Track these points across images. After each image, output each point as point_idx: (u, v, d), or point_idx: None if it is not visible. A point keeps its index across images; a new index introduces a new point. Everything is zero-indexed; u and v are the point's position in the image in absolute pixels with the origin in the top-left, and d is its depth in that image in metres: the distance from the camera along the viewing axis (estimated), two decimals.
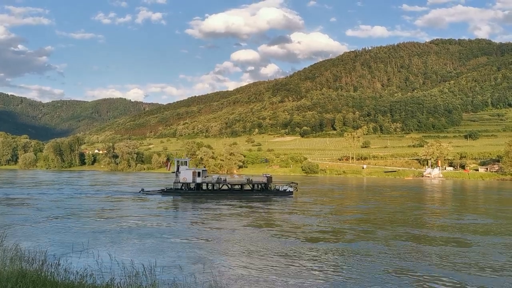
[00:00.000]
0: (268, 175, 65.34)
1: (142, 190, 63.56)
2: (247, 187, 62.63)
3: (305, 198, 58.90)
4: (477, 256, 23.10)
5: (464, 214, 43.43)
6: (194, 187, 61.04)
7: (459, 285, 17.76)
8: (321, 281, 18.12)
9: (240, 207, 46.96)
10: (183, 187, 60.84)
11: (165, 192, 61.21)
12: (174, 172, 62.37)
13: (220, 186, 62.09)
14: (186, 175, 60.07)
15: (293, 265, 20.50)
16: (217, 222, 35.34)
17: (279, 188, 62.12)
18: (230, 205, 48.57)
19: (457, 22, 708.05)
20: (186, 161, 65.59)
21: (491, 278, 18.88)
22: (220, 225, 33.68)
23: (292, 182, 64.99)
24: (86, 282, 11.92)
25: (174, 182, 61.59)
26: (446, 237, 29.00)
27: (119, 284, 11.69)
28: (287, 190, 61.37)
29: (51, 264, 12.83)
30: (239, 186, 63.46)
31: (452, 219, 38.87)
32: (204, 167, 71.21)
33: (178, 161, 63.57)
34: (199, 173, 61.25)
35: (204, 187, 62.37)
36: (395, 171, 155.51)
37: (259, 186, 62.08)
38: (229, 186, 62.78)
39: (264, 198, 57.50)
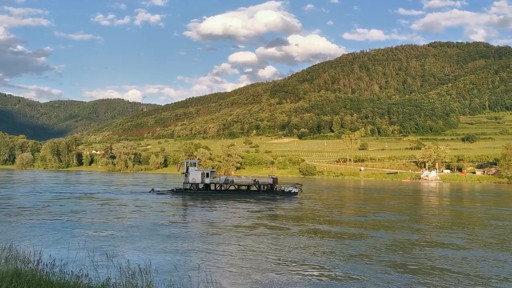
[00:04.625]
0: (274, 177, 66.36)
1: (153, 189, 64.61)
2: (254, 188, 63.72)
3: (309, 199, 59.59)
4: (350, 247, 25.02)
5: (384, 212, 45.08)
6: (203, 187, 62.29)
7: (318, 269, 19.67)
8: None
9: (246, 207, 47.55)
10: (192, 187, 61.98)
11: (174, 192, 62.36)
12: (183, 173, 63.44)
13: (228, 186, 63.28)
14: (195, 176, 61.31)
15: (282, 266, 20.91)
16: (220, 222, 35.51)
17: (284, 189, 62.89)
18: (237, 205, 49.30)
19: (453, 26, 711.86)
20: (195, 163, 67.17)
21: (353, 264, 20.89)
22: (222, 224, 33.83)
23: (296, 184, 65.87)
24: (81, 282, 11.86)
25: (184, 183, 62.76)
26: (348, 232, 30.70)
27: (114, 285, 11.57)
28: (292, 191, 62.18)
29: (47, 264, 12.66)
30: (246, 187, 64.69)
31: (367, 217, 40.72)
32: (212, 168, 72.27)
33: (187, 162, 64.69)
34: (207, 174, 62.56)
35: (212, 187, 63.48)
36: (396, 172, 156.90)
37: (265, 187, 63.08)
38: (236, 186, 63.96)
39: (269, 198, 58.36)
